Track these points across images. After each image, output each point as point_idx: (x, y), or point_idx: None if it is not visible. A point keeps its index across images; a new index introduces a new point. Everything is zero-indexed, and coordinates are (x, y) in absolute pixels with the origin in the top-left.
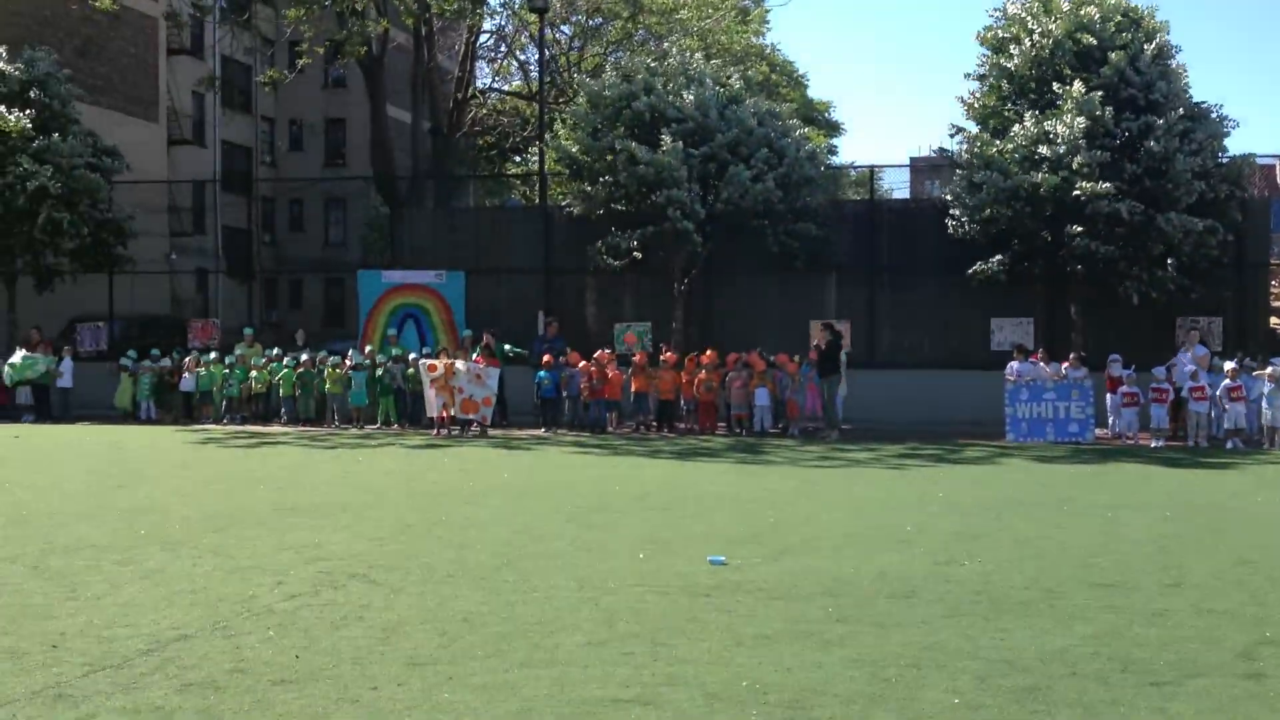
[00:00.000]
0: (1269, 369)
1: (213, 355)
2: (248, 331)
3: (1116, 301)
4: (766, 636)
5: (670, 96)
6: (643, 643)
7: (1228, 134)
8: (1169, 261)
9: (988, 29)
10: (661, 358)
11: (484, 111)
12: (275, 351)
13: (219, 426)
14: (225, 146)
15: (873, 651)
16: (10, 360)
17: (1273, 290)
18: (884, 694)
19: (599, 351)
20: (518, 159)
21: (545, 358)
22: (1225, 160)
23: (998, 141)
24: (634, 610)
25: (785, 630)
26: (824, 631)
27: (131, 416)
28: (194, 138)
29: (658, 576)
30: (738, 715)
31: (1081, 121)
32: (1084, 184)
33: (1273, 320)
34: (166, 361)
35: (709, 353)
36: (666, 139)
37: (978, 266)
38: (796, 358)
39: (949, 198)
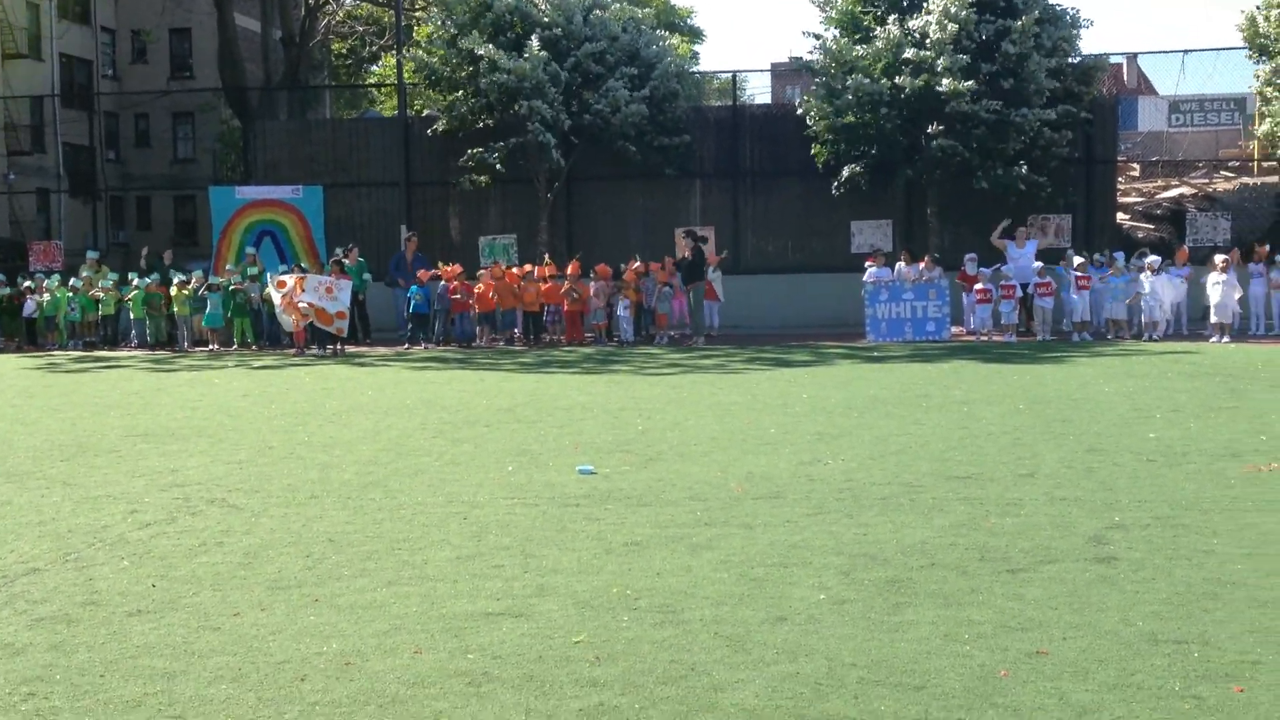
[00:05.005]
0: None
1: (56, 279)
2: (91, 254)
3: (972, 201)
4: (636, 543)
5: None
6: (513, 555)
7: (1078, 36)
8: (1020, 164)
9: None
10: (526, 269)
11: (338, 19)
12: (130, 275)
13: (64, 352)
14: (64, 60)
15: (741, 552)
16: None
17: (1119, 187)
18: (753, 593)
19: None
20: (375, 68)
21: (421, 272)
22: (1077, 60)
23: (859, 47)
24: (503, 523)
25: (654, 536)
26: (693, 535)
27: None
28: (30, 51)
29: (527, 488)
30: (609, 622)
31: (949, 25)
32: (947, 83)
33: (1119, 216)
34: (7, 287)
35: (573, 263)
36: (534, 43)
37: (842, 174)
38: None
39: (805, 109)
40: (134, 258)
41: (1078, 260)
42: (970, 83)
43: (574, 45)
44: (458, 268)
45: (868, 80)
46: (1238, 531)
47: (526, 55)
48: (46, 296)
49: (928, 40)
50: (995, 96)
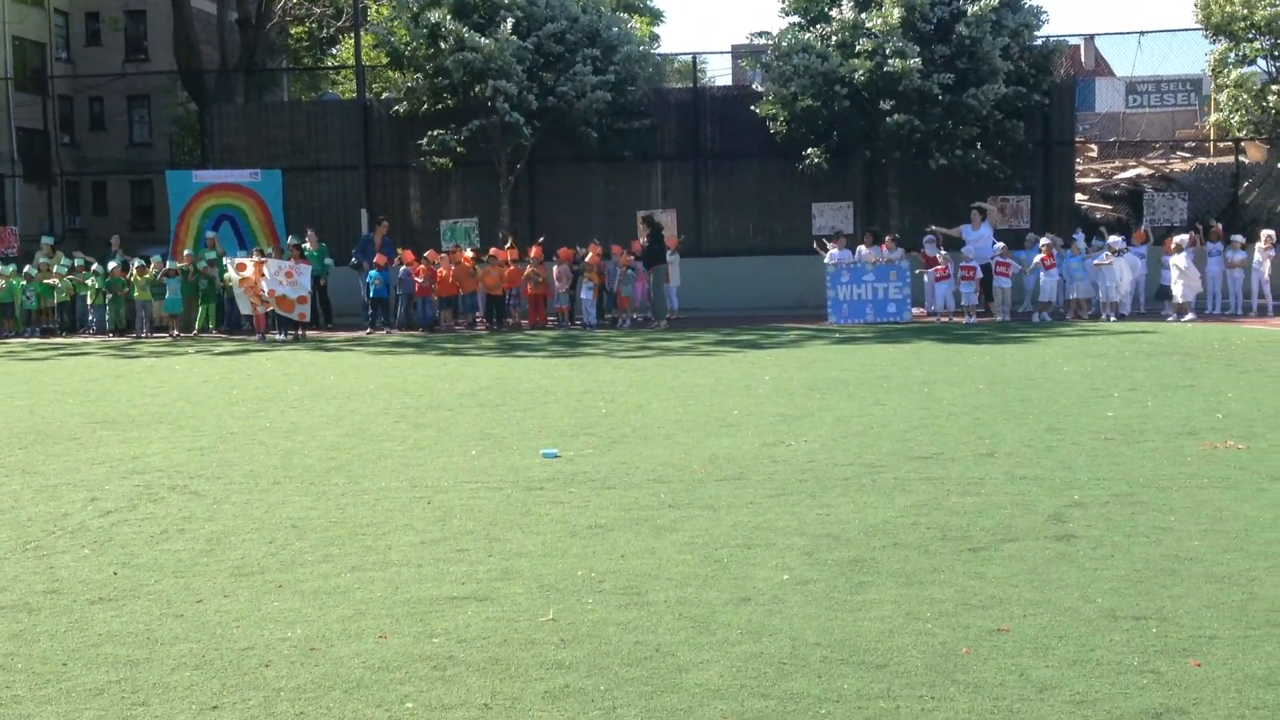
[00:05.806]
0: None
1: (11, 265)
2: (46, 240)
3: (931, 182)
4: (601, 526)
5: None
6: (477, 539)
7: (1038, 26)
8: (978, 145)
9: None
10: (489, 253)
11: (294, 1)
12: (80, 261)
13: (21, 340)
14: (16, 42)
15: (704, 534)
16: None
17: (1077, 167)
18: (716, 574)
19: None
20: (334, 50)
21: (378, 257)
22: (1035, 45)
23: (816, 27)
24: (467, 507)
25: (619, 518)
26: (657, 517)
27: None
28: None
29: (491, 472)
30: (574, 604)
31: (898, 12)
32: (895, 61)
33: (1078, 197)
34: None
35: (535, 247)
36: (508, 23)
37: (805, 156)
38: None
39: (761, 110)
40: (97, 244)
41: (1044, 241)
42: (916, 60)
43: (536, 26)
44: (432, 255)
45: (819, 59)
46: (1194, 508)
47: (495, 35)
48: (1, 283)
49: (875, 24)
50: (950, 76)
